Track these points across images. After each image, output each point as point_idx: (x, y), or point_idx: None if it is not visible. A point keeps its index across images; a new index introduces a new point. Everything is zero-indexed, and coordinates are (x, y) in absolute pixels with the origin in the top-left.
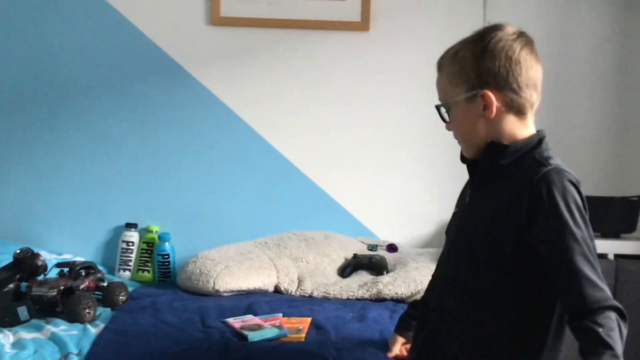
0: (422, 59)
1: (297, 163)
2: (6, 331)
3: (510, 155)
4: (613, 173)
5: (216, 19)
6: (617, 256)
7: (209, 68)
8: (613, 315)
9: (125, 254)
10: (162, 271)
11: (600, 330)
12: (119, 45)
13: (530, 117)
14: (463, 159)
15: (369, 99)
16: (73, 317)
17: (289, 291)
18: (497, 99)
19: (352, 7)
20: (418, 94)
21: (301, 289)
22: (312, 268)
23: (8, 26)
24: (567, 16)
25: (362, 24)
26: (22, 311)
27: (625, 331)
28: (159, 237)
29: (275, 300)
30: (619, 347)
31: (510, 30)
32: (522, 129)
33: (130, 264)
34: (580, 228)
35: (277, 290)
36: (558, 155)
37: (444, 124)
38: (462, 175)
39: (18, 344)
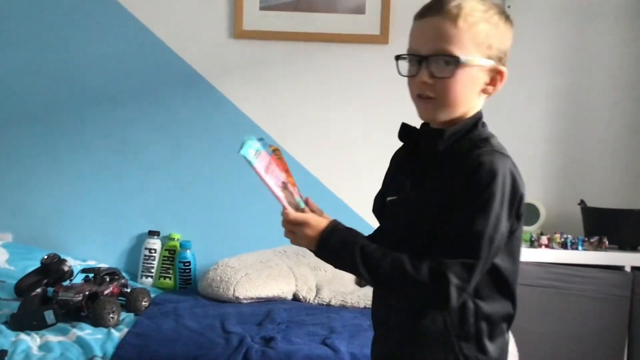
0: None
1: (316, 174)
2: (33, 334)
3: (446, 140)
4: (630, 185)
5: (239, 32)
6: (633, 268)
7: (231, 80)
8: (451, 271)
9: (148, 261)
10: (183, 278)
11: (417, 264)
12: (144, 57)
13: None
14: (402, 136)
15: (387, 111)
16: (98, 321)
17: (307, 299)
18: (501, 80)
19: (372, 21)
20: None
21: (319, 297)
22: (330, 277)
23: (37, 39)
24: (585, 30)
25: (382, 37)
26: (49, 315)
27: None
28: (181, 245)
29: (293, 308)
30: (384, 278)
31: None
32: (474, 109)
33: (153, 270)
34: (494, 211)
35: (295, 298)
36: (495, 137)
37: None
38: None
39: (45, 347)
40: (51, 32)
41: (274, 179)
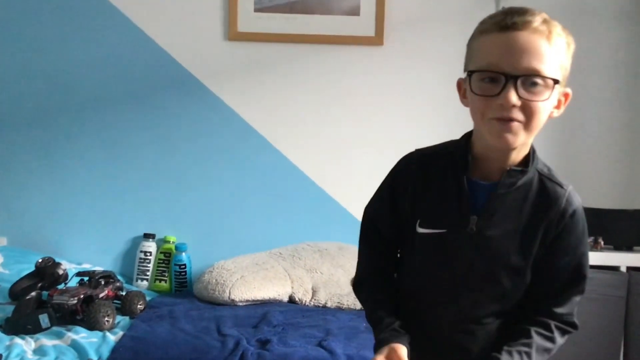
0: (436, 73)
1: (311, 175)
2: (28, 338)
3: (523, 176)
4: (625, 186)
5: (233, 34)
6: (629, 269)
7: (226, 82)
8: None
9: (143, 264)
10: (179, 281)
11: (540, 341)
12: (138, 59)
13: None
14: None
15: (382, 112)
16: (93, 324)
17: (303, 301)
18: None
19: (367, 22)
20: (432, 107)
21: (315, 299)
22: (326, 279)
23: (31, 41)
24: (581, 31)
25: (376, 39)
26: (44, 319)
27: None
28: (176, 248)
29: (289, 310)
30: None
31: None
32: None
33: (148, 273)
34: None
35: (291, 300)
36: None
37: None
38: None
39: (39, 351)
40: (46, 35)
41: None
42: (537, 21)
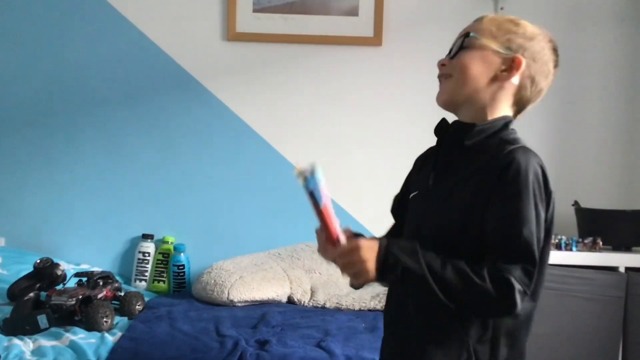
0: (435, 74)
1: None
2: (26, 339)
3: (475, 135)
4: (624, 186)
5: (232, 35)
6: (628, 269)
7: (224, 82)
8: (513, 276)
9: (142, 265)
10: (178, 281)
11: (465, 266)
12: (137, 60)
13: (517, 113)
14: (437, 131)
15: (381, 112)
16: (91, 325)
17: (302, 302)
18: (521, 76)
19: (365, 23)
20: (430, 108)
21: (314, 300)
22: (325, 279)
23: (30, 42)
24: (578, 32)
25: (375, 39)
26: (42, 319)
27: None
28: (175, 248)
29: (288, 310)
30: (457, 292)
31: (548, 38)
32: (507, 113)
33: (146, 274)
34: (535, 208)
35: (290, 301)
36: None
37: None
38: None
39: (38, 352)
40: (44, 35)
41: (333, 220)
42: (500, 16)
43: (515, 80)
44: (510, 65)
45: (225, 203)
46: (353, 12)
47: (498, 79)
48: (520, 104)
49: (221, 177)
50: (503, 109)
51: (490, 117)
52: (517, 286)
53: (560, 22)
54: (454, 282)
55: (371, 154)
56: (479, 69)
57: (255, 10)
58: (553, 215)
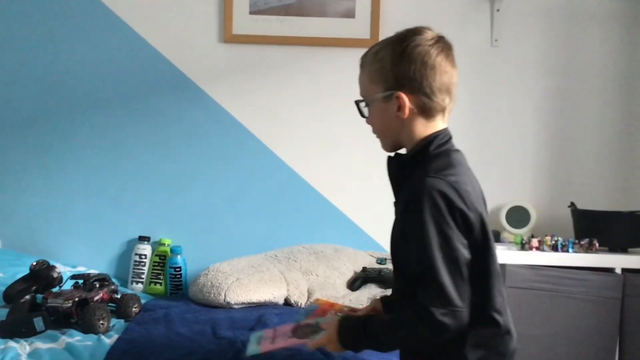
0: None
1: (307, 177)
2: (22, 341)
3: (397, 166)
4: (620, 188)
5: (228, 37)
6: (624, 270)
7: (221, 84)
8: (428, 302)
9: (138, 267)
10: (174, 284)
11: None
12: (133, 61)
13: (440, 120)
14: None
15: None
16: (87, 328)
17: (299, 304)
18: (410, 102)
19: (362, 25)
20: None
21: (311, 302)
22: (322, 281)
23: (27, 43)
24: (575, 33)
25: (372, 41)
26: (38, 322)
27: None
28: (171, 250)
29: (285, 312)
30: (389, 341)
31: (429, 35)
32: (428, 130)
33: (143, 276)
34: (437, 230)
35: (287, 302)
36: (447, 155)
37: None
38: None
39: (34, 354)
40: (40, 37)
41: (282, 339)
42: (365, 57)
43: (412, 108)
44: (398, 105)
45: (222, 205)
46: (349, 14)
47: (400, 118)
48: (435, 110)
49: (217, 179)
50: (422, 130)
51: (414, 144)
52: (436, 310)
53: (556, 23)
54: (390, 337)
55: (368, 156)
56: (382, 123)
57: (251, 12)
58: (483, 227)
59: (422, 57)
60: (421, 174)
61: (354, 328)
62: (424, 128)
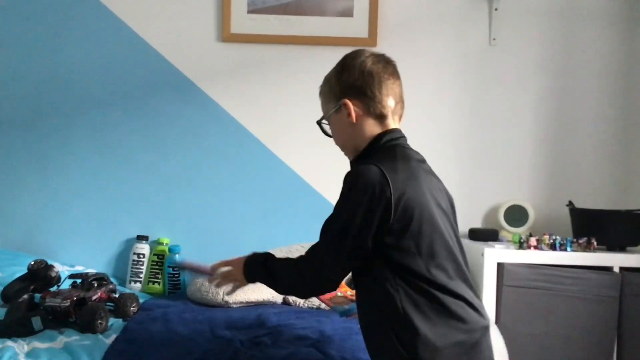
0: (429, 75)
1: (305, 176)
2: (20, 341)
3: (360, 157)
4: (618, 186)
5: (226, 36)
6: (622, 269)
7: (219, 83)
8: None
9: (136, 266)
10: (172, 283)
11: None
12: (131, 61)
13: (392, 122)
14: None
15: None
16: (86, 327)
17: (297, 303)
18: (356, 106)
19: (360, 24)
20: (425, 109)
21: (309, 301)
22: None
23: (25, 43)
24: (573, 33)
25: (370, 40)
26: (36, 321)
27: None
28: (170, 250)
29: (283, 311)
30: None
31: (367, 52)
32: (379, 130)
33: (141, 275)
34: (352, 207)
35: (285, 302)
36: (397, 147)
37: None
38: (469, 191)
39: (32, 354)
40: (39, 36)
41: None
42: (320, 85)
43: (358, 111)
44: (347, 112)
45: (220, 204)
46: (348, 12)
47: (352, 123)
48: (382, 113)
49: (216, 178)
50: (374, 131)
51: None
52: (307, 256)
53: (554, 22)
54: (283, 277)
55: None
56: (340, 133)
57: (250, 11)
58: (409, 213)
59: (360, 66)
60: (362, 162)
61: (257, 262)
62: (375, 129)
